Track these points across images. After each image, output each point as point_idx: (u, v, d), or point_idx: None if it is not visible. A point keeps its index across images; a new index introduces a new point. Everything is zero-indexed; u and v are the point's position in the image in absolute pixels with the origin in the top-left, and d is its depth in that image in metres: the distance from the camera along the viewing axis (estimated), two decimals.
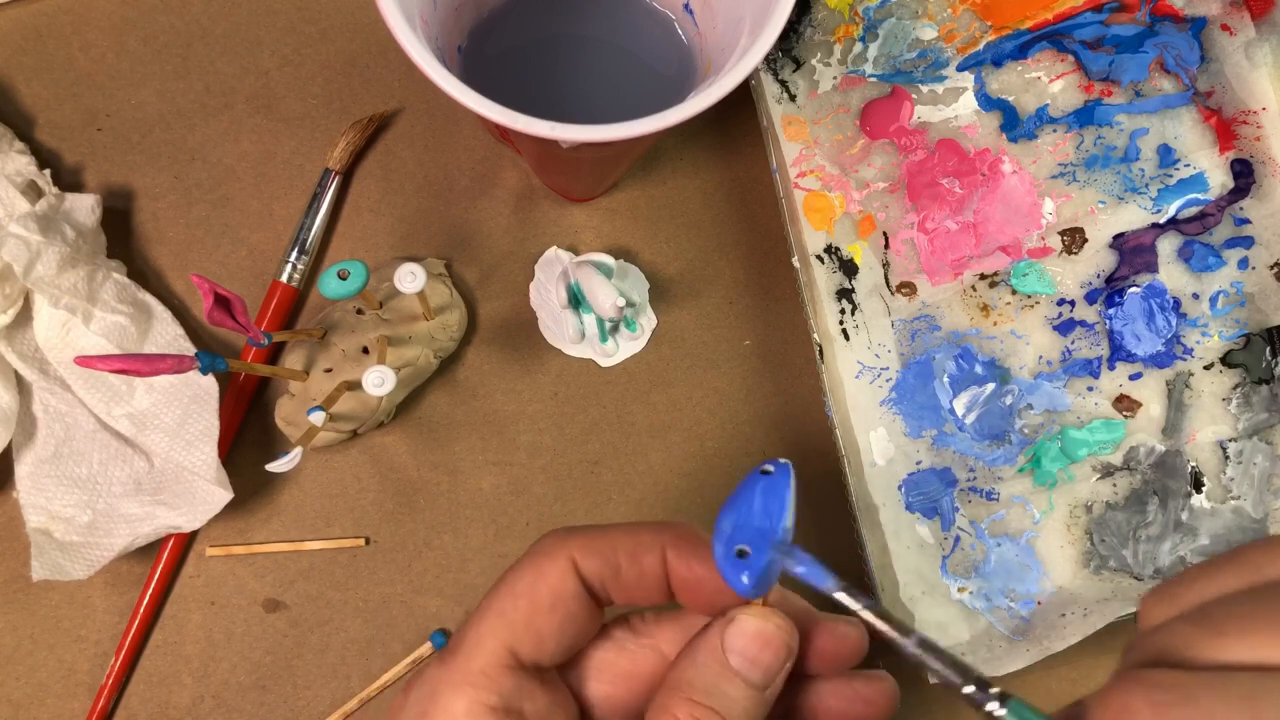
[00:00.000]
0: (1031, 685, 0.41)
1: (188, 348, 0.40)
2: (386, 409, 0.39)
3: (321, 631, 0.41)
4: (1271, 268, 0.40)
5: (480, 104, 0.26)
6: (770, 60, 0.41)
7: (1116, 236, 0.41)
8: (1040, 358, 0.41)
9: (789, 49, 0.41)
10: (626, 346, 0.42)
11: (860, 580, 0.39)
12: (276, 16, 0.43)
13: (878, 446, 0.41)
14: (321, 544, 0.41)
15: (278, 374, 0.38)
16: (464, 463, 0.42)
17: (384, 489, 0.42)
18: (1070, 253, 0.41)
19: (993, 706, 0.19)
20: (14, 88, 0.42)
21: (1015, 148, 0.42)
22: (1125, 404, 0.41)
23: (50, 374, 0.39)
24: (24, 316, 0.39)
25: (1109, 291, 0.41)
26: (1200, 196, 0.41)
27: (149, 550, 0.39)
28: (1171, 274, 0.41)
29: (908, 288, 0.42)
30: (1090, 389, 0.41)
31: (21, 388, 0.39)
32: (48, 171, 0.40)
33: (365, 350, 0.39)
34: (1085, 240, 0.41)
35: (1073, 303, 0.41)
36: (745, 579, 0.22)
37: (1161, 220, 0.41)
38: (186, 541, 0.41)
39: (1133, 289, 0.41)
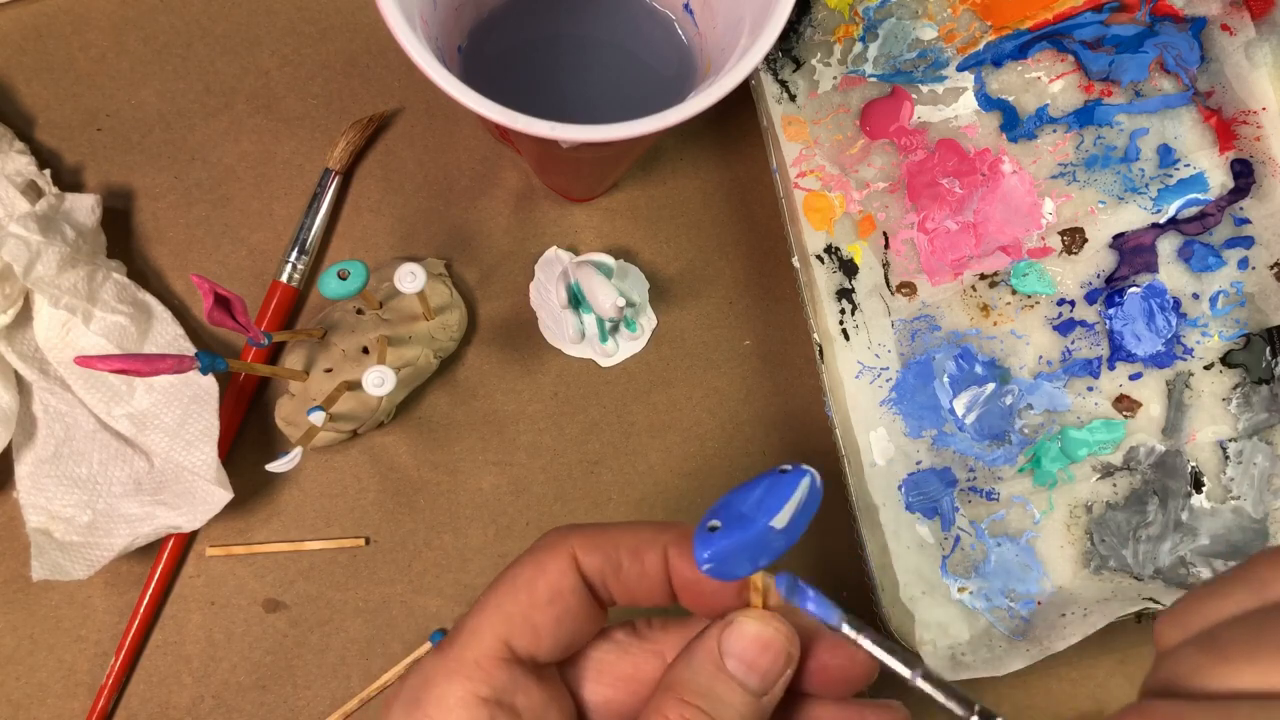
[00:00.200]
0: (1032, 685, 0.41)
1: (188, 348, 0.40)
2: (386, 409, 0.39)
3: (321, 631, 0.41)
4: (1271, 268, 0.40)
5: (480, 104, 0.26)
6: (770, 60, 0.41)
7: (1116, 236, 0.41)
8: (1040, 358, 0.41)
9: (789, 49, 0.41)
10: (626, 346, 0.42)
11: (860, 580, 0.39)
12: (276, 16, 0.43)
13: (878, 446, 0.40)
14: (321, 544, 0.41)
15: (278, 374, 0.38)
16: (464, 463, 0.42)
17: (384, 489, 0.42)
18: (1070, 253, 0.41)
19: None
20: (14, 88, 0.42)
21: (1015, 148, 0.42)
22: (1125, 404, 0.41)
23: (50, 374, 0.39)
24: (24, 316, 0.39)
25: (1109, 291, 0.41)
26: (1200, 196, 0.41)
27: (149, 550, 0.39)
28: (1171, 274, 0.41)
29: (908, 288, 0.42)
30: (1090, 389, 0.41)
31: (21, 388, 0.39)
32: (48, 171, 0.40)
33: (365, 350, 0.39)
34: (1085, 240, 0.41)
35: (1073, 303, 0.41)
36: (704, 553, 0.21)
37: (1161, 220, 0.41)
38: (186, 541, 0.41)
39: (1133, 289, 0.41)
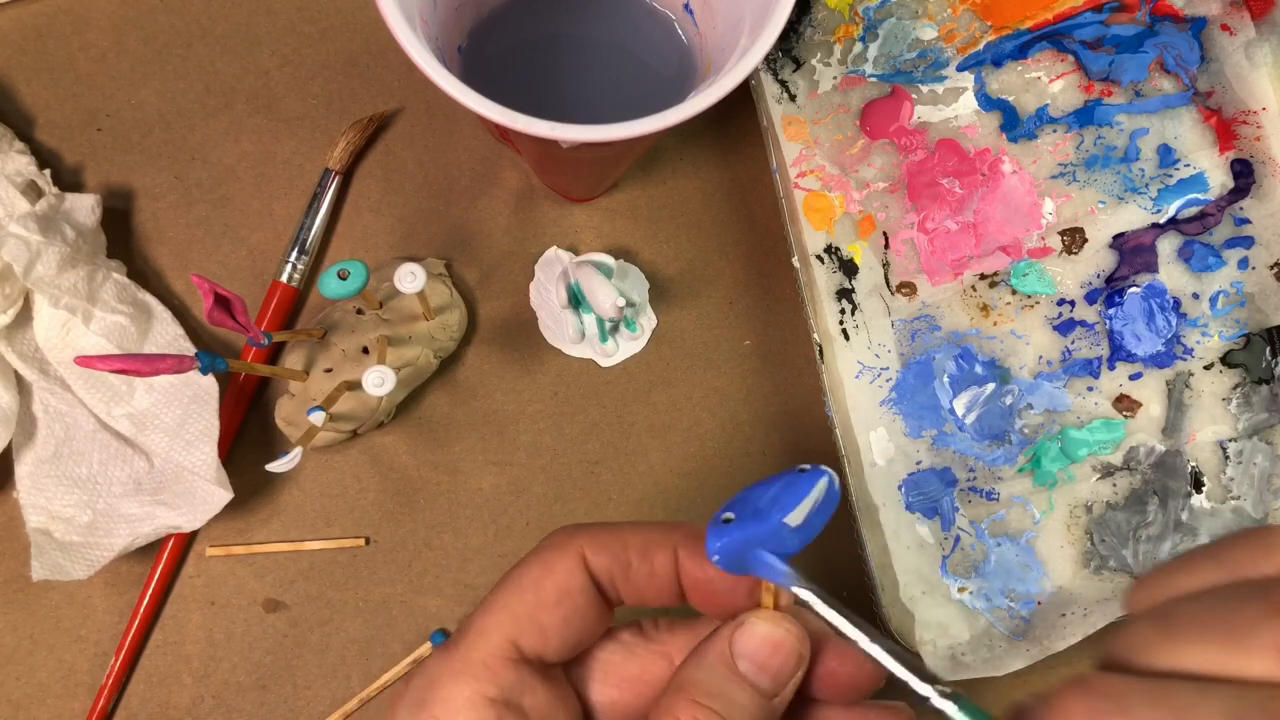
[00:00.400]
0: (1032, 685, 0.41)
1: (188, 348, 0.40)
2: (386, 409, 0.39)
3: (321, 631, 0.41)
4: (1271, 268, 0.40)
5: (480, 104, 0.26)
6: (770, 60, 0.41)
7: (1116, 236, 0.41)
8: (1040, 358, 0.41)
9: (789, 49, 0.41)
10: (626, 346, 0.42)
11: (860, 580, 0.39)
12: (276, 16, 0.43)
13: (878, 446, 0.40)
14: (321, 544, 0.41)
15: (278, 374, 0.38)
16: (464, 463, 0.42)
17: (384, 489, 0.42)
18: (1070, 253, 0.41)
19: (944, 705, 0.19)
20: (14, 88, 0.42)
21: (1015, 148, 0.42)
22: (1125, 404, 0.41)
23: (50, 374, 0.39)
24: (24, 316, 0.39)
25: (1109, 291, 0.41)
26: (1200, 196, 0.41)
27: (149, 550, 0.39)
28: (1171, 274, 0.41)
29: (908, 288, 0.42)
30: (1090, 389, 0.41)
31: (21, 388, 0.39)
32: (48, 171, 0.40)
33: (365, 350, 0.39)
34: (1085, 240, 0.41)
35: (1073, 303, 0.41)
36: (715, 544, 0.21)
37: (1161, 220, 0.41)
38: (186, 541, 0.41)
39: (1133, 289, 0.41)
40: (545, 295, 0.42)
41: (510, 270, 0.43)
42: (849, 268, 0.41)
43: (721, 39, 0.33)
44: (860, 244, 0.41)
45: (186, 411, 0.38)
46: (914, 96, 0.42)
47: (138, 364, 0.30)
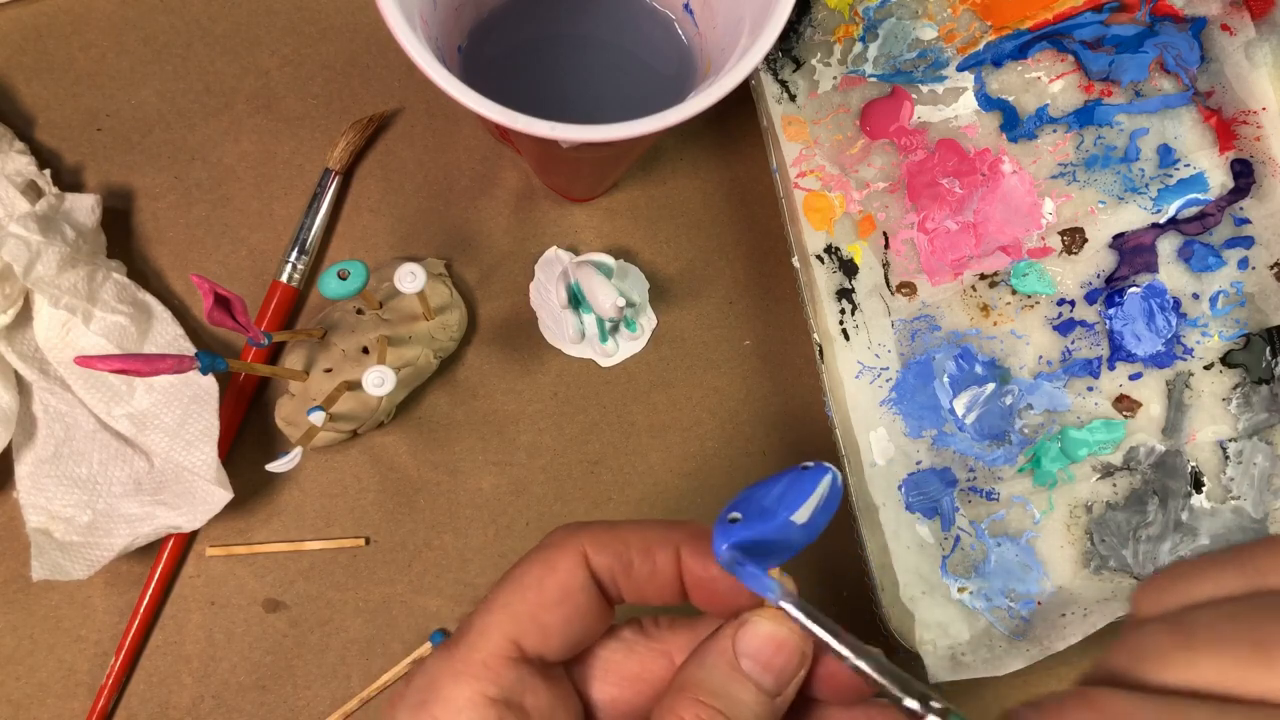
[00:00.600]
0: (1032, 685, 0.41)
1: (188, 348, 0.40)
2: (386, 409, 0.39)
3: (321, 631, 0.41)
4: (1271, 268, 0.40)
5: (480, 104, 0.26)
6: (770, 60, 0.41)
7: (1116, 236, 0.41)
8: (1040, 358, 0.41)
9: (789, 49, 0.41)
10: (626, 346, 0.42)
11: (860, 580, 0.39)
12: (276, 16, 0.43)
13: (878, 446, 0.40)
14: (321, 544, 0.41)
15: (278, 374, 0.38)
16: (464, 463, 0.42)
17: (384, 489, 0.42)
18: (1070, 253, 0.41)
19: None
20: (14, 88, 0.42)
21: (1015, 148, 0.42)
22: (1125, 404, 0.41)
23: (50, 374, 0.39)
24: (24, 316, 0.39)
25: (1109, 291, 0.41)
26: (1200, 196, 0.41)
27: (149, 550, 0.39)
28: (1171, 274, 0.41)
29: (908, 288, 0.42)
30: (1090, 389, 0.41)
31: (21, 388, 0.39)
32: (48, 171, 0.40)
33: (365, 350, 0.39)
34: (1085, 240, 0.41)
35: (1073, 303, 0.41)
36: (723, 545, 0.21)
37: (1161, 220, 0.41)
38: (186, 541, 0.41)
39: (1133, 289, 0.41)
40: (545, 295, 0.42)
41: (510, 270, 0.43)
42: (849, 268, 0.41)
43: (721, 39, 0.33)
44: (860, 244, 0.41)
45: (186, 411, 0.38)
46: (914, 96, 0.42)
47: (138, 364, 0.30)
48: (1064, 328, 0.41)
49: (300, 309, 0.42)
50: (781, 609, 0.21)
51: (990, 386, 0.41)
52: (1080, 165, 0.41)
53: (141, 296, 0.40)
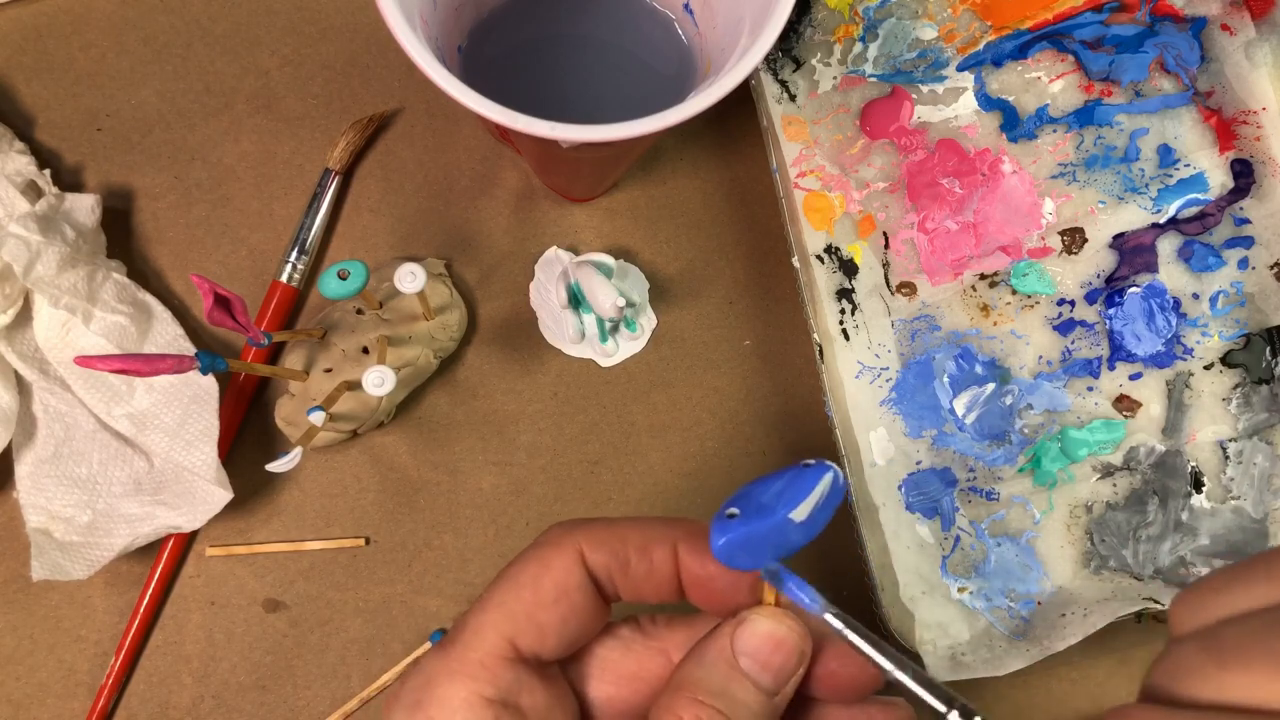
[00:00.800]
0: (1032, 685, 0.41)
1: (188, 348, 0.40)
2: (386, 409, 0.39)
3: (321, 631, 0.41)
4: (1271, 268, 0.40)
5: (480, 104, 0.26)
6: (770, 60, 0.41)
7: (1116, 236, 0.41)
8: (1040, 358, 0.41)
9: (789, 49, 0.41)
10: (626, 346, 0.42)
11: (860, 580, 0.39)
12: (276, 16, 0.43)
13: (878, 446, 0.40)
14: (321, 544, 0.41)
15: (278, 374, 0.38)
16: (464, 463, 0.42)
17: (384, 489, 0.42)
18: (1070, 253, 0.41)
19: None
20: (14, 88, 0.42)
21: (1015, 148, 0.42)
22: (1125, 404, 0.41)
23: (50, 374, 0.39)
24: (24, 316, 0.39)
25: (1109, 291, 0.41)
26: (1200, 196, 0.41)
27: (149, 550, 0.39)
28: (1171, 274, 0.41)
29: (908, 288, 0.42)
30: (1090, 389, 0.41)
31: (21, 388, 0.39)
32: (48, 171, 0.40)
33: (365, 350, 0.39)
34: (1085, 240, 0.41)
35: (1073, 303, 0.41)
36: (720, 539, 0.21)
37: (1161, 220, 0.41)
38: (186, 541, 0.41)
39: (1133, 289, 0.41)
40: (545, 295, 0.42)
41: (510, 270, 0.43)
42: (849, 268, 0.41)
43: (721, 39, 0.33)
44: (860, 244, 0.41)
45: (186, 411, 0.38)
46: (914, 96, 0.42)
47: (138, 364, 0.30)
48: (1064, 328, 0.41)
49: (300, 309, 0.42)
50: (827, 621, 0.22)
51: (990, 386, 0.41)
52: (1080, 165, 0.41)
53: (141, 296, 0.40)
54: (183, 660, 0.40)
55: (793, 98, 0.41)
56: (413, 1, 0.29)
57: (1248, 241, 0.40)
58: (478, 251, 0.43)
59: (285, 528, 0.41)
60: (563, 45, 0.37)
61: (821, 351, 0.39)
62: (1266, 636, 0.16)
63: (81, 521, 0.38)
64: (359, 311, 0.40)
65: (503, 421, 0.42)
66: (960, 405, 0.41)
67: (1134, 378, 0.41)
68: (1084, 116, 0.41)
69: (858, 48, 0.42)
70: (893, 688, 0.22)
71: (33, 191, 0.39)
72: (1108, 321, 0.41)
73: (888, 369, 0.41)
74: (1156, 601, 0.37)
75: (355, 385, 0.38)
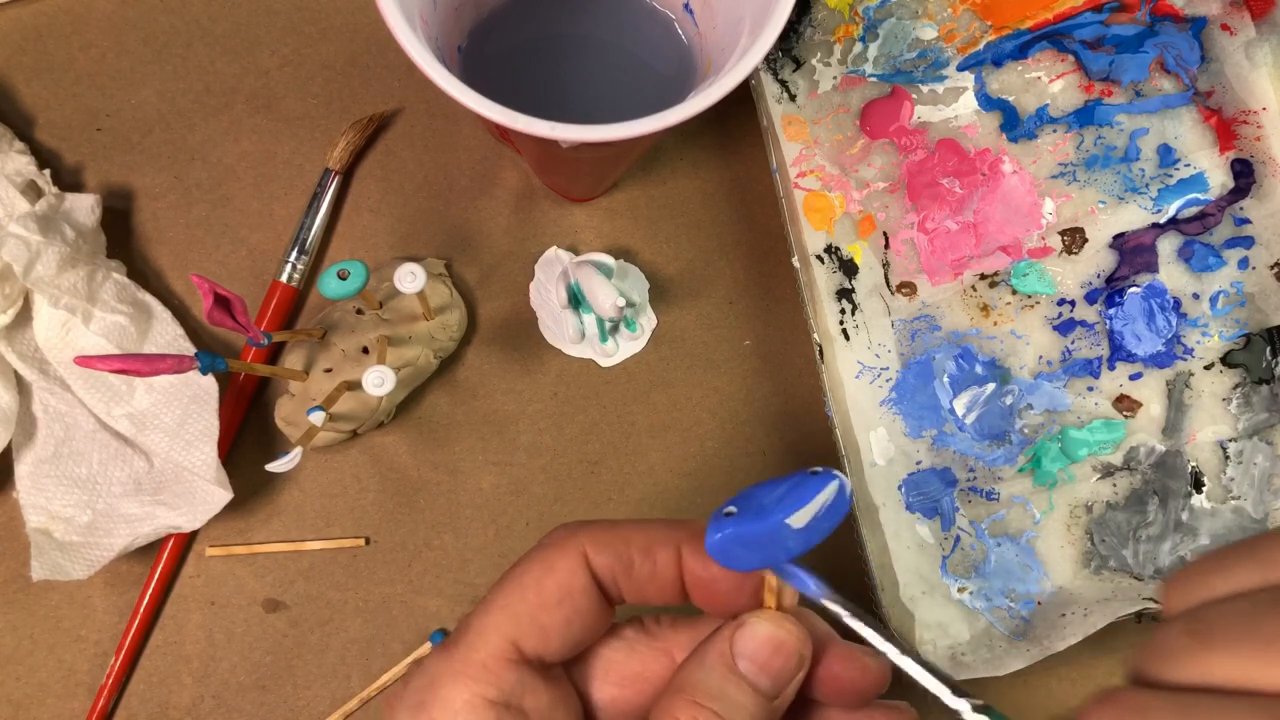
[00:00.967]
0: (1032, 685, 0.41)
1: (188, 348, 0.40)
2: (386, 409, 0.39)
3: (321, 631, 0.41)
4: (1272, 268, 0.40)
5: (480, 104, 0.26)
6: (770, 60, 0.41)
7: (1116, 236, 0.41)
8: (1040, 358, 0.41)
9: (789, 49, 0.41)
10: (626, 346, 0.42)
11: (860, 580, 0.39)
12: (276, 16, 0.43)
13: (878, 446, 0.40)
14: (321, 544, 0.41)
15: (278, 374, 0.38)
16: (464, 463, 0.42)
17: (384, 489, 0.42)
18: (1070, 253, 0.41)
19: (973, 718, 0.19)
20: (14, 88, 0.42)
21: (1015, 148, 0.42)
22: (1125, 404, 0.41)
23: (50, 374, 0.39)
24: (24, 316, 0.39)
25: (1109, 291, 0.41)
26: (1200, 196, 0.41)
27: (149, 550, 0.39)
28: (1171, 274, 0.41)
29: (908, 288, 0.41)
30: (1090, 389, 0.41)
31: (21, 388, 0.39)
32: (48, 171, 0.40)
33: (365, 350, 0.39)
34: (1085, 240, 0.41)
35: (1073, 303, 0.41)
36: (715, 535, 0.21)
37: (1162, 220, 0.41)
38: (186, 541, 0.41)
39: (1133, 289, 0.41)
40: (545, 295, 0.42)
41: (510, 270, 0.43)
42: (849, 268, 0.41)
43: (721, 39, 0.33)
44: (860, 244, 0.41)
45: (186, 411, 0.38)
46: (914, 96, 0.42)
47: (138, 364, 0.30)
48: (1064, 328, 0.41)
49: (300, 309, 0.42)
50: (827, 607, 0.22)
51: (990, 386, 0.41)
52: (1080, 165, 0.41)
53: (141, 296, 0.40)
54: (183, 660, 0.40)
55: (793, 98, 0.41)
56: (413, 1, 0.29)
57: (1248, 241, 0.40)
58: (478, 251, 0.43)
59: (285, 528, 0.41)
60: (563, 45, 0.37)
61: (821, 351, 0.39)
62: (1250, 618, 0.16)
63: (81, 521, 0.38)
64: (359, 311, 0.40)
65: (503, 421, 0.42)
66: (960, 405, 0.41)
67: (1134, 378, 0.41)
68: (1084, 116, 0.41)
69: (858, 48, 0.42)
70: (901, 688, 0.22)
71: (33, 191, 0.39)
72: (1108, 321, 0.41)
73: (888, 369, 0.41)
74: (1157, 601, 0.37)
75: (355, 385, 0.38)
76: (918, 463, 0.41)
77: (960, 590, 0.40)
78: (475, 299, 0.43)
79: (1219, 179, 0.41)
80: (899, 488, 0.40)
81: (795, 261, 0.40)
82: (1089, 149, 0.41)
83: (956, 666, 0.37)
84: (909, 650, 0.21)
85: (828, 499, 0.22)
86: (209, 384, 0.38)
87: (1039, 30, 0.41)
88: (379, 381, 0.35)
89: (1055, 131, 0.41)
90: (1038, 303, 0.41)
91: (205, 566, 0.41)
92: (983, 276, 0.42)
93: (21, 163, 0.39)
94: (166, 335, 0.40)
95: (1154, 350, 0.41)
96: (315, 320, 0.41)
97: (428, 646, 0.41)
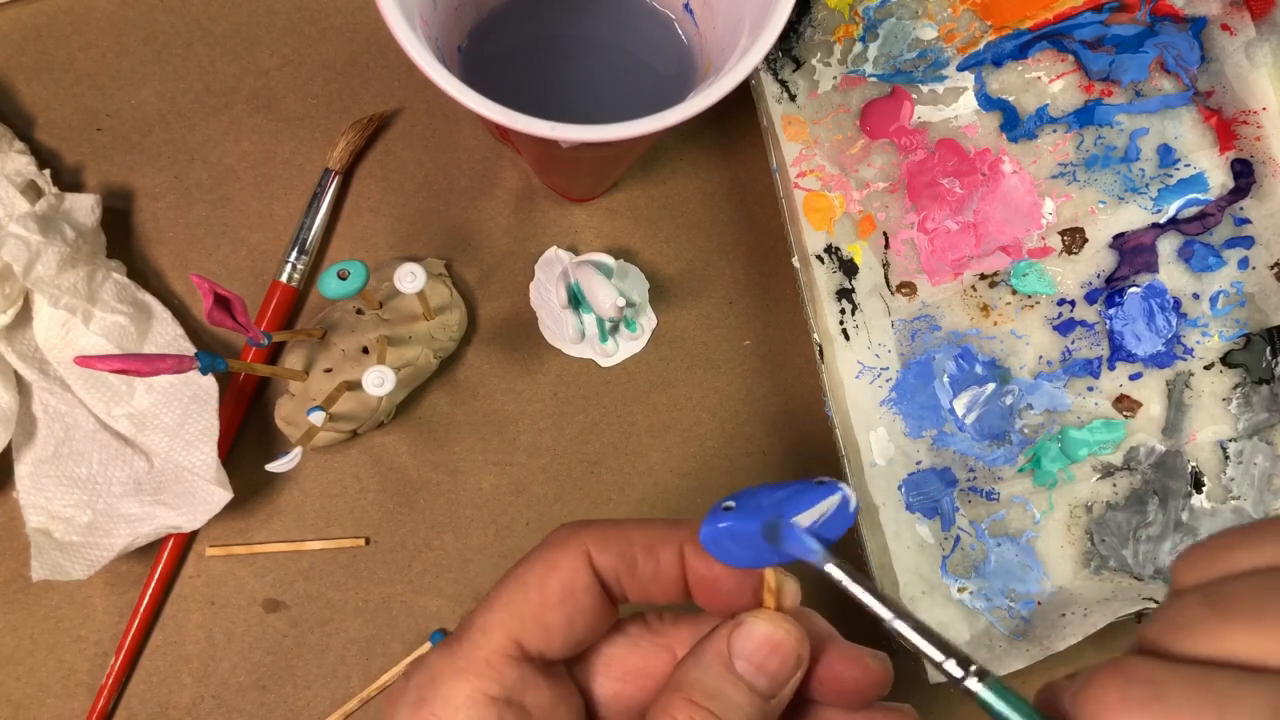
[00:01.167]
0: (1032, 685, 0.41)
1: (188, 348, 0.40)
2: (386, 409, 0.39)
3: (321, 631, 0.41)
4: (1271, 268, 0.40)
5: (480, 104, 0.26)
6: (770, 60, 0.41)
7: (1116, 236, 0.41)
8: (1040, 358, 0.41)
9: (789, 49, 0.41)
10: (626, 346, 0.42)
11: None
12: (276, 16, 0.43)
13: (878, 446, 0.40)
14: (321, 544, 0.41)
15: (278, 374, 0.38)
16: (464, 463, 0.42)
17: (384, 489, 0.42)
18: (1070, 253, 0.41)
19: (971, 683, 0.19)
20: (14, 88, 0.42)
21: (1015, 148, 0.42)
22: (1125, 404, 0.41)
23: (50, 374, 0.39)
24: (24, 316, 0.39)
25: (1109, 291, 0.41)
26: (1200, 196, 0.41)
27: (149, 550, 0.39)
28: (1171, 274, 0.41)
29: (908, 288, 0.42)
30: (1090, 389, 0.41)
31: (21, 388, 0.39)
32: (48, 171, 0.40)
33: (365, 350, 0.39)
34: (1085, 240, 0.41)
35: (1073, 303, 0.41)
36: (707, 527, 0.21)
37: (1162, 220, 0.41)
38: (186, 541, 0.41)
39: (1133, 289, 0.41)
40: (545, 295, 0.42)
41: (510, 270, 0.43)
42: (849, 268, 0.41)
43: (721, 39, 0.33)
44: (860, 244, 0.41)
45: (186, 411, 0.38)
46: (914, 96, 0.42)
47: (138, 364, 0.30)
48: (1064, 328, 0.41)
49: (300, 309, 0.42)
50: (827, 571, 0.21)
51: (990, 386, 0.41)
52: (1080, 165, 0.41)
53: (141, 296, 0.40)
54: (183, 660, 0.40)
55: (793, 98, 0.41)
56: (413, 1, 0.29)
57: (1248, 241, 0.40)
58: (478, 251, 0.43)
59: (285, 528, 0.41)
60: (563, 45, 0.37)
61: (821, 351, 0.39)
62: (1267, 594, 0.16)
63: (81, 521, 0.38)
64: (359, 311, 0.40)
65: (503, 421, 0.42)
66: (960, 405, 0.41)
67: (1134, 378, 0.41)
68: (1084, 116, 0.41)
69: (858, 48, 0.42)
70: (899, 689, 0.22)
71: (33, 191, 0.39)
72: (1108, 321, 0.41)
73: (888, 369, 0.41)
74: (1156, 601, 0.37)
75: (355, 385, 0.38)
76: (918, 463, 0.41)
77: (960, 590, 0.40)
78: (475, 299, 0.43)
79: (1219, 179, 0.41)
80: (899, 488, 0.40)
81: (795, 261, 0.40)
82: (1089, 149, 0.41)
83: None
84: (908, 615, 0.20)
85: (829, 510, 0.22)
86: (209, 384, 0.38)
87: (1039, 30, 0.41)
88: (379, 381, 0.35)
89: (1055, 131, 0.41)
90: (1038, 303, 0.41)
91: (205, 566, 0.41)
92: (983, 276, 0.42)
93: (21, 163, 0.39)
94: (166, 335, 0.40)
95: (1154, 350, 0.41)
96: (315, 320, 0.41)
97: (427, 646, 0.41)
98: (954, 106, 0.42)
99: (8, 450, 0.38)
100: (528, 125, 0.26)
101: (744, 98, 0.41)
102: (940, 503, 0.40)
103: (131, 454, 0.39)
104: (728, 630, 0.23)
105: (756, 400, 0.43)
